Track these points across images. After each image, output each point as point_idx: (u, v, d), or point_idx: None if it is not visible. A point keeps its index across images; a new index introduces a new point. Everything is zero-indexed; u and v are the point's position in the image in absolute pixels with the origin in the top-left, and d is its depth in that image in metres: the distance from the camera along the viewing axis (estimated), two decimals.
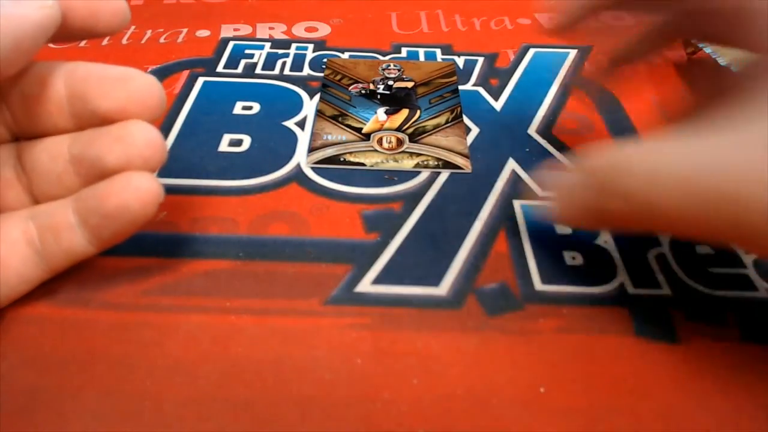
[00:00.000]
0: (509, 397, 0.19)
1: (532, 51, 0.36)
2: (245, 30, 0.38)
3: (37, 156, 0.20)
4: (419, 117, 0.30)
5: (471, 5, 0.41)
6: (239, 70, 0.33)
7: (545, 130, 0.30)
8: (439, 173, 0.27)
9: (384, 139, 0.29)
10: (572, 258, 0.23)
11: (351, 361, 0.19)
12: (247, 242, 0.23)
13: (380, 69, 0.34)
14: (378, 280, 0.22)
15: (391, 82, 0.33)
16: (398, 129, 0.29)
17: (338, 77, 0.33)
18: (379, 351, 0.20)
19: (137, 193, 0.18)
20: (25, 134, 0.21)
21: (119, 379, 0.18)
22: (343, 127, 0.29)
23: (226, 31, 0.37)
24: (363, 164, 0.27)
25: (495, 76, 0.34)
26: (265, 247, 0.23)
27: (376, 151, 0.28)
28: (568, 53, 0.36)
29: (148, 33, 0.37)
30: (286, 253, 0.23)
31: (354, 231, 0.24)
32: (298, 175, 0.26)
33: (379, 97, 0.31)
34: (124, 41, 0.36)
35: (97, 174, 0.19)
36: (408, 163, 0.27)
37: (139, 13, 0.39)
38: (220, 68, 0.34)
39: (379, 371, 0.19)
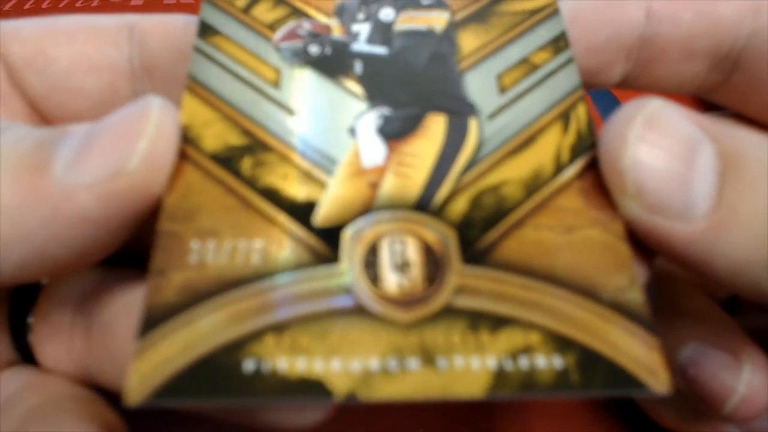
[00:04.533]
0: None
1: None
2: None
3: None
4: (478, 147, 0.11)
5: None
6: None
7: None
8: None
9: (385, 259, 0.10)
10: None
11: None
12: None
13: None
14: None
15: (388, 10, 0.13)
16: (420, 203, 0.11)
17: None
18: None
19: None
20: None
21: None
22: (253, 200, 0.11)
23: None
24: (325, 390, 0.09)
25: None
26: None
27: (362, 312, 0.10)
28: None
29: None
30: None
31: None
32: None
33: (358, 67, 0.12)
34: None
35: None
36: (465, 370, 0.09)
37: (138, 13, 0.38)
38: None
39: None
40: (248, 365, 0.09)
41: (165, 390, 0.09)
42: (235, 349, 0.09)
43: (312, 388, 0.09)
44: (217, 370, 0.09)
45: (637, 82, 0.15)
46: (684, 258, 0.10)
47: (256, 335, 0.09)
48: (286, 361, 0.09)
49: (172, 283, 0.09)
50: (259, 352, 0.09)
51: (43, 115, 0.14)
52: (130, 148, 0.10)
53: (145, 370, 0.09)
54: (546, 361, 0.09)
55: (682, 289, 0.15)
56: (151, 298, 0.09)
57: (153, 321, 0.09)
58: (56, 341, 0.13)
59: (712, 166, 0.10)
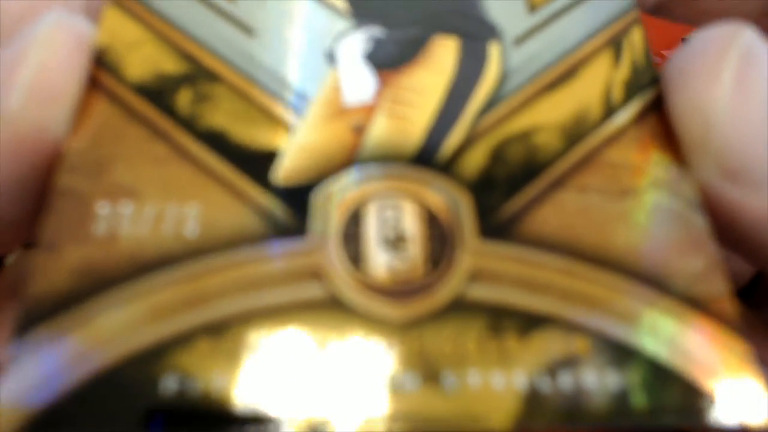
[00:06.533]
0: None
1: None
2: None
3: None
4: (501, 80, 0.08)
5: None
6: None
7: None
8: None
9: (371, 231, 0.07)
10: None
11: None
12: None
13: None
14: None
15: None
16: (422, 155, 0.08)
17: None
18: None
19: None
20: None
21: None
22: (190, 148, 0.08)
23: None
24: (277, 423, 0.06)
25: None
26: None
27: (336, 306, 0.07)
28: None
29: None
30: None
31: None
32: None
33: None
34: None
35: None
36: (483, 391, 0.06)
37: None
38: None
39: None
40: (168, 384, 0.06)
41: (46, 418, 0.06)
42: (153, 359, 0.06)
43: (258, 420, 0.06)
44: (123, 390, 0.06)
45: (675, 11, 0.13)
46: (744, 238, 0.08)
47: (184, 339, 0.06)
48: (223, 377, 0.06)
49: (66, 261, 0.07)
50: (185, 365, 0.06)
51: None
52: (9, 83, 0.07)
53: (19, 389, 0.06)
54: (597, 379, 0.07)
55: None
56: (36, 284, 0.06)
57: (35, 317, 0.06)
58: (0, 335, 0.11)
59: None
